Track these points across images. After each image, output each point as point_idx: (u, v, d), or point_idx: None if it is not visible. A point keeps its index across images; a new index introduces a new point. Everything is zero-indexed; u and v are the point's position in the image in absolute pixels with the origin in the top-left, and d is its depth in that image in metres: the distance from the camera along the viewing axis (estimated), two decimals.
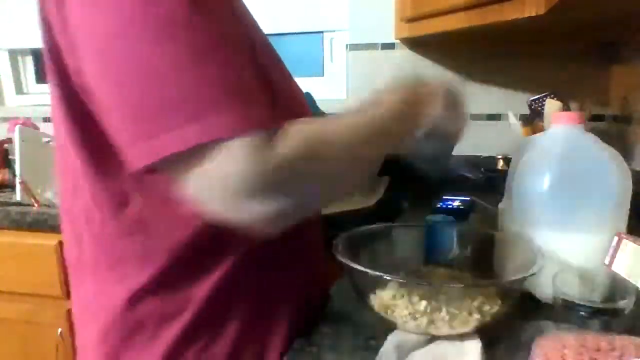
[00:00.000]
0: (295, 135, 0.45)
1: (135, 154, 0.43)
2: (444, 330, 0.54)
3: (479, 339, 0.53)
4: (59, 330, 1.35)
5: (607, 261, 0.58)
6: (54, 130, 0.57)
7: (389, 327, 0.56)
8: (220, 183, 0.43)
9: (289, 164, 0.44)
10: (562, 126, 0.65)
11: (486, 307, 0.56)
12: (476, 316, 0.54)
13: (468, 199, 1.10)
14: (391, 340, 0.53)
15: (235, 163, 0.42)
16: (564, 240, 0.62)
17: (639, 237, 0.58)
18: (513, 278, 0.58)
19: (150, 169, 0.44)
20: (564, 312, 0.58)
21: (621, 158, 0.63)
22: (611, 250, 0.59)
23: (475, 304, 0.55)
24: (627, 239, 0.57)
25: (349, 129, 0.51)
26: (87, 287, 0.59)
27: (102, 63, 0.44)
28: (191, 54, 0.42)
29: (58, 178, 0.59)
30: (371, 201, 1.08)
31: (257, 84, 0.46)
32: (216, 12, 0.45)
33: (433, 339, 0.54)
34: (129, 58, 0.42)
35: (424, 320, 0.54)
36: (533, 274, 0.55)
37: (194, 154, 0.42)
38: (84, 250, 0.57)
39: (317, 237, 0.70)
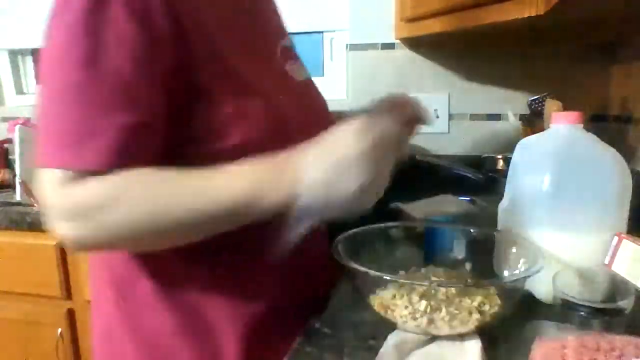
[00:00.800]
0: (106, 183, 0.49)
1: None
2: (444, 330, 0.54)
3: (479, 339, 0.53)
4: (59, 330, 1.35)
5: (607, 261, 0.58)
6: None
7: (389, 327, 0.56)
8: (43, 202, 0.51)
9: (80, 205, 0.50)
10: (562, 126, 0.65)
11: (486, 307, 0.56)
12: (476, 316, 0.54)
13: (468, 199, 1.09)
14: (391, 340, 0.53)
15: (46, 189, 0.50)
16: (564, 240, 0.62)
17: (639, 237, 0.58)
18: (513, 278, 0.58)
19: None
20: (564, 312, 0.58)
21: (621, 158, 0.63)
22: (611, 250, 0.59)
23: (475, 303, 0.55)
24: (627, 239, 0.57)
25: (169, 195, 0.51)
26: None
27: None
28: (54, 97, 0.51)
29: None
30: None
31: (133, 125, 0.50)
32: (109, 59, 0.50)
33: (433, 339, 0.54)
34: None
35: (423, 320, 0.54)
36: (533, 274, 0.55)
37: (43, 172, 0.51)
38: None
39: (320, 244, 0.71)
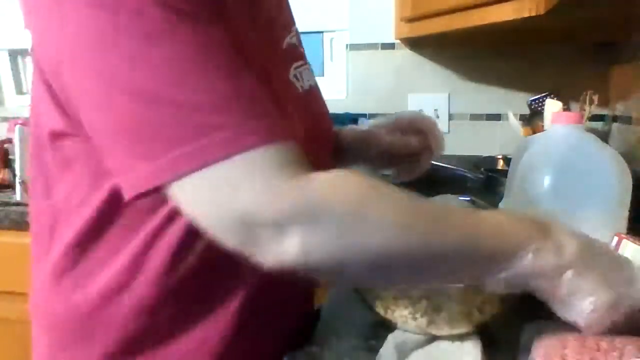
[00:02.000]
0: (353, 180, 0.39)
1: (138, 177, 0.39)
2: (445, 330, 0.54)
3: (479, 339, 0.53)
4: None
5: None
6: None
7: (389, 327, 0.56)
8: (231, 209, 0.37)
9: (321, 201, 0.38)
10: (562, 126, 0.65)
11: (487, 307, 0.56)
12: (477, 316, 0.54)
13: (468, 199, 1.09)
14: (391, 340, 0.53)
15: (253, 185, 0.37)
16: None
17: (639, 237, 0.58)
18: None
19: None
20: None
21: (621, 158, 0.63)
22: None
23: (476, 303, 0.55)
24: (627, 239, 0.57)
25: (436, 221, 0.42)
26: None
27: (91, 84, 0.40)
28: (183, 67, 0.38)
29: None
30: None
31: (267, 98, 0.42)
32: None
33: (433, 339, 0.54)
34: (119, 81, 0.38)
35: (424, 320, 0.54)
36: None
37: (206, 173, 0.37)
38: None
39: None
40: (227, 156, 0.37)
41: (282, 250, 0.38)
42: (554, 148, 0.64)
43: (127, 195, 0.40)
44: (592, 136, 0.65)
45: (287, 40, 0.61)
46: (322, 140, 0.66)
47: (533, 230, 0.43)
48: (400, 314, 0.55)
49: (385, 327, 0.56)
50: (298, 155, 0.39)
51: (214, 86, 0.38)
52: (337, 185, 0.39)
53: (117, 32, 0.38)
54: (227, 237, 0.39)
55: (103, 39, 0.38)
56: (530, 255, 0.42)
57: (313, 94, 0.64)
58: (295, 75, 0.59)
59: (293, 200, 0.37)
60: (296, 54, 0.63)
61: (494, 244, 0.42)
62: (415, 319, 0.54)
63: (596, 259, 0.44)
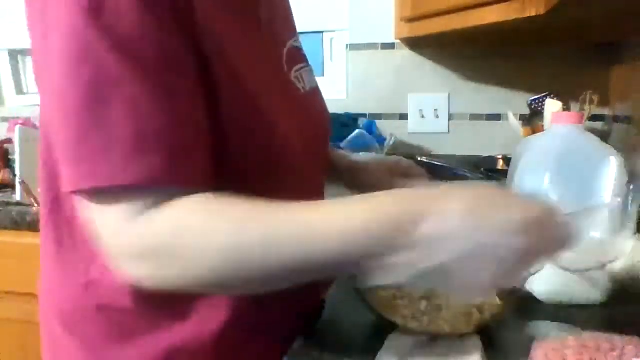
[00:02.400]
0: (181, 213, 0.42)
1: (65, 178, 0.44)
2: (445, 330, 0.54)
3: (479, 339, 0.53)
4: None
5: None
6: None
7: (389, 327, 0.56)
8: (100, 235, 0.43)
9: (161, 241, 0.42)
10: (562, 126, 0.65)
11: (486, 307, 0.56)
12: (477, 316, 0.54)
13: None
14: (391, 340, 0.53)
15: (107, 222, 0.43)
16: None
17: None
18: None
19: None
20: (564, 312, 0.59)
21: (621, 158, 0.63)
22: None
23: (476, 304, 0.55)
24: None
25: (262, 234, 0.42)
26: None
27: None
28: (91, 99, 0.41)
29: None
30: None
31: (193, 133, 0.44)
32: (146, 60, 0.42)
33: (433, 339, 0.54)
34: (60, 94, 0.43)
35: (424, 320, 0.54)
36: (531, 274, 0.55)
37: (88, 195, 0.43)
38: None
39: None
40: (104, 187, 0.42)
41: (134, 278, 0.44)
42: (554, 148, 0.64)
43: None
44: (592, 136, 0.65)
45: (291, 43, 0.63)
46: (320, 139, 0.67)
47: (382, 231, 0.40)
48: (400, 314, 0.55)
49: (386, 327, 0.56)
50: (164, 193, 0.42)
51: (131, 125, 0.41)
52: (174, 221, 0.42)
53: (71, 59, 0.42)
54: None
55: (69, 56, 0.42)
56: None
57: (314, 95, 0.66)
58: (296, 77, 0.61)
59: (135, 242, 0.42)
60: (298, 56, 0.64)
61: (332, 251, 0.41)
62: (415, 319, 0.54)
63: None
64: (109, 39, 0.41)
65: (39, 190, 0.58)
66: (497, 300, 0.57)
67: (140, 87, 0.41)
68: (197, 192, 0.43)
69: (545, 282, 0.59)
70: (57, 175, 0.49)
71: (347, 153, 0.84)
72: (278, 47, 0.59)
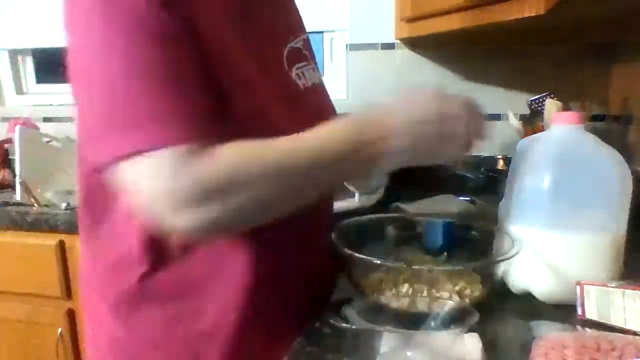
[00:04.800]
0: (226, 154, 0.48)
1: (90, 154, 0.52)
2: (424, 311, 0.57)
3: (479, 338, 0.53)
4: (59, 330, 1.35)
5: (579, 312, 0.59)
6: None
7: (389, 327, 0.56)
8: (147, 195, 0.47)
9: (211, 181, 0.47)
10: (562, 126, 0.65)
11: (467, 292, 0.61)
12: (455, 299, 0.60)
13: (468, 198, 1.10)
14: (391, 340, 0.53)
15: (157, 176, 0.46)
16: (563, 240, 0.62)
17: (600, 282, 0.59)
18: (485, 263, 0.66)
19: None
20: (564, 312, 0.59)
21: (621, 158, 0.63)
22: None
23: (457, 288, 0.61)
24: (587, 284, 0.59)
25: (284, 157, 0.51)
26: None
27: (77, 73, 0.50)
28: (123, 75, 0.47)
29: None
30: (371, 201, 1.08)
31: (202, 100, 0.49)
32: (158, 36, 0.48)
33: (433, 338, 0.54)
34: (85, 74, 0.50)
35: (405, 301, 0.59)
36: (504, 260, 0.61)
37: (120, 165, 0.47)
38: None
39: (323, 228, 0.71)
40: (139, 153, 0.46)
41: (189, 226, 0.48)
42: (554, 148, 0.64)
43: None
44: (592, 136, 0.65)
45: (292, 44, 0.67)
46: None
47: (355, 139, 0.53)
48: (385, 296, 0.62)
49: (386, 311, 0.57)
50: (197, 149, 0.47)
51: (157, 96, 0.47)
52: (224, 159, 0.48)
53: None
54: (145, 216, 0.50)
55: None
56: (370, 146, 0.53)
57: (316, 91, 0.70)
58: (297, 74, 0.65)
59: (183, 190, 0.46)
60: (299, 56, 0.68)
61: (331, 150, 0.52)
62: (398, 300, 0.60)
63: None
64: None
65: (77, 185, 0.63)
66: (480, 287, 0.62)
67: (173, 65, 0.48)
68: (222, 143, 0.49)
69: (517, 273, 0.61)
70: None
71: None
72: (278, 47, 0.64)
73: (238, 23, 0.57)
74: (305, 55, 0.70)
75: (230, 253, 0.59)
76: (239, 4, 0.58)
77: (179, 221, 0.47)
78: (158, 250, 0.58)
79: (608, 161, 0.62)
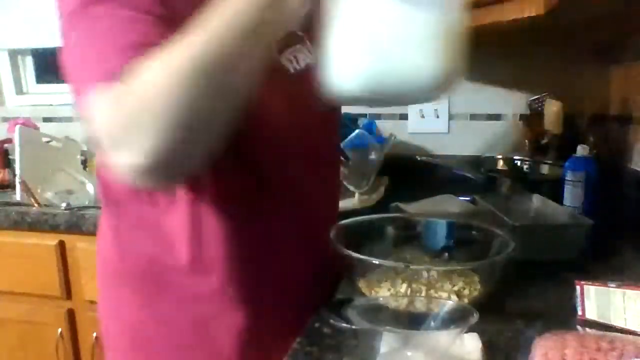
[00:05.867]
0: (140, 78, 0.45)
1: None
2: (423, 310, 0.57)
3: (479, 338, 0.53)
4: (59, 330, 1.35)
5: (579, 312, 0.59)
6: None
7: (389, 327, 0.56)
8: (97, 136, 0.47)
9: (133, 108, 0.45)
10: None
11: (465, 292, 0.62)
12: (454, 299, 0.60)
13: (468, 198, 1.10)
14: (391, 340, 0.53)
15: (92, 119, 0.46)
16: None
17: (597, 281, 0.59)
18: (483, 261, 0.65)
19: None
20: (564, 312, 0.59)
21: None
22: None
23: (455, 288, 0.61)
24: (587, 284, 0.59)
25: (194, 51, 0.45)
26: None
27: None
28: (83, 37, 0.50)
29: None
30: (371, 201, 1.08)
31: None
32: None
33: (433, 338, 0.54)
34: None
35: (404, 301, 0.59)
36: (505, 259, 0.61)
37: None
38: None
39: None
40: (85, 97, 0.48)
41: (130, 165, 0.46)
42: None
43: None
44: None
45: None
46: (311, 113, 0.65)
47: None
48: (383, 295, 0.62)
49: (385, 311, 0.57)
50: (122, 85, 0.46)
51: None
52: (133, 91, 0.46)
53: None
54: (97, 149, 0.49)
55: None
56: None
57: (310, 72, 0.64)
58: (289, 59, 0.64)
59: (112, 126, 0.46)
60: (293, 39, 0.66)
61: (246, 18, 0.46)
62: (396, 300, 0.59)
63: None
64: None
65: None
66: (478, 286, 0.62)
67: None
68: None
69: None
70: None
71: None
72: None
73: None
74: (301, 36, 0.67)
75: (232, 252, 0.60)
76: None
77: (123, 158, 0.46)
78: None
79: None
